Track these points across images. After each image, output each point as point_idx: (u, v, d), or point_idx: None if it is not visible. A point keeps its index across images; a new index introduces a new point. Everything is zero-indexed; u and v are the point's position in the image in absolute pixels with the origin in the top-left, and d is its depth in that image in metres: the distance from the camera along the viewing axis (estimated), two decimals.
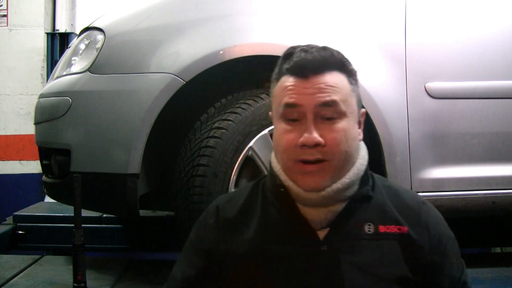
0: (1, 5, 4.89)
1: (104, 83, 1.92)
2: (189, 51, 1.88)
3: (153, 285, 2.00)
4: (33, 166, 4.86)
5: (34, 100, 4.78)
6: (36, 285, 1.97)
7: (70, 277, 1.89)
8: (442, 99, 1.99)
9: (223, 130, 1.85)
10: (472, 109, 2.01)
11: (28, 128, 4.83)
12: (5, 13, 4.88)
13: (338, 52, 1.15)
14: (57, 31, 4.98)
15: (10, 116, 4.88)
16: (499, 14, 2.09)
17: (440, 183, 2.00)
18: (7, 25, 4.87)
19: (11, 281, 1.99)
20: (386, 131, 1.93)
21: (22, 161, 4.89)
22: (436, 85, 1.98)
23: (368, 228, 1.11)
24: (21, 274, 2.09)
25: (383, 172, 1.94)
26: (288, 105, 1.10)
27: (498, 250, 3.29)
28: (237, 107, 1.89)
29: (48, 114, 2.07)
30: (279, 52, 1.86)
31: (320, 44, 1.16)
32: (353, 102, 1.12)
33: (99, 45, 1.97)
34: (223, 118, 1.88)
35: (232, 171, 1.86)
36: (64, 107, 1.96)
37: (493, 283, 2.00)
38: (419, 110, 1.97)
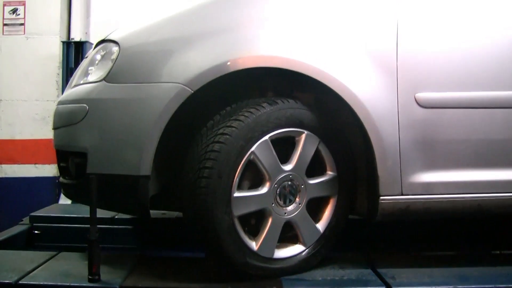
0: (19, 14, 5.00)
1: (119, 92, 2.03)
2: (197, 62, 1.98)
3: (162, 279, 2.09)
4: (48, 170, 4.96)
5: (49, 106, 4.98)
6: (54, 277, 2.07)
7: (85, 270, 2.00)
8: (431, 108, 2.08)
9: (227, 136, 1.95)
10: (459, 117, 2.11)
11: (43, 132, 4.92)
12: (23, 22, 5.00)
13: None
14: (72, 40, 5.10)
15: (26, 121, 4.99)
16: (485, 27, 2.18)
17: (429, 187, 2.09)
18: (24, 33, 4.99)
19: (31, 273, 2.10)
20: (378, 137, 2.02)
21: (37, 165, 4.99)
22: (425, 95, 2.08)
23: None
24: (40, 267, 2.18)
25: (375, 175, 2.04)
26: None
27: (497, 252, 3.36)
28: (241, 115, 1.99)
29: (66, 120, 2.17)
30: (279, 64, 2.03)
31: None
32: None
33: (114, 56, 2.08)
34: (227, 124, 1.98)
35: (235, 173, 1.97)
36: (81, 114, 2.07)
37: (477, 279, 2.09)
38: (409, 118, 2.06)
